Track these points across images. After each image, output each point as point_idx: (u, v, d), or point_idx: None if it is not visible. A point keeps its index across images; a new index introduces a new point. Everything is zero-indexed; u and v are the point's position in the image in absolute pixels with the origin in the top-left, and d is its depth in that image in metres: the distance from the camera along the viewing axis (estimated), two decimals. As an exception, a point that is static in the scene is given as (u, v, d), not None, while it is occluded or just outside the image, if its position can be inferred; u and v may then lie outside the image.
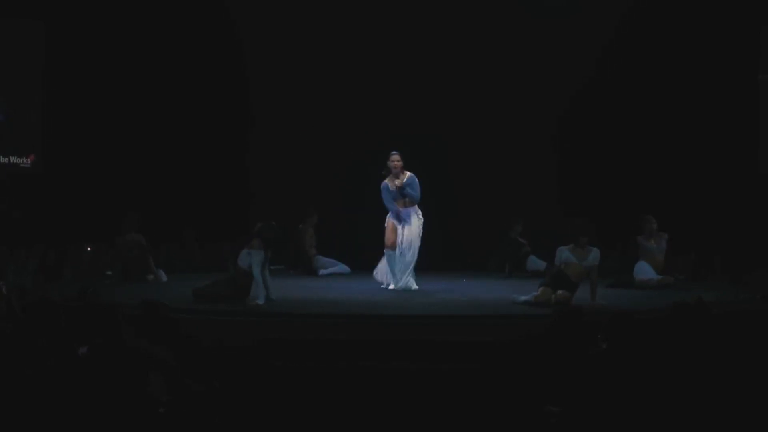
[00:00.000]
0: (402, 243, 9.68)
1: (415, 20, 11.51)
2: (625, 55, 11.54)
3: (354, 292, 9.40)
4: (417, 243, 9.73)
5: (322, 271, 11.46)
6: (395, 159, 9.75)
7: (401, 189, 9.65)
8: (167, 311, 6.44)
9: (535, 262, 11.09)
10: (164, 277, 10.56)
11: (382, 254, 9.89)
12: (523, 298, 8.37)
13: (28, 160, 11.95)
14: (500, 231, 11.28)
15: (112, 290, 8.63)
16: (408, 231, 9.72)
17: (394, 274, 9.73)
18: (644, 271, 9.90)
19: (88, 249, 11.28)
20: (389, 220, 9.80)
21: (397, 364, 6.18)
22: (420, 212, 9.79)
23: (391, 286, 9.75)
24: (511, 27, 11.48)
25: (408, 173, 9.80)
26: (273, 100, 11.73)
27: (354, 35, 11.58)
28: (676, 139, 11.55)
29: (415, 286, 9.74)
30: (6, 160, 11.99)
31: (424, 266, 9.98)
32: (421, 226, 9.76)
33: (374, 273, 10.00)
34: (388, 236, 9.80)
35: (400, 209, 9.74)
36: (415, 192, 9.69)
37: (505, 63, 11.62)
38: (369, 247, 10.45)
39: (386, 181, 9.77)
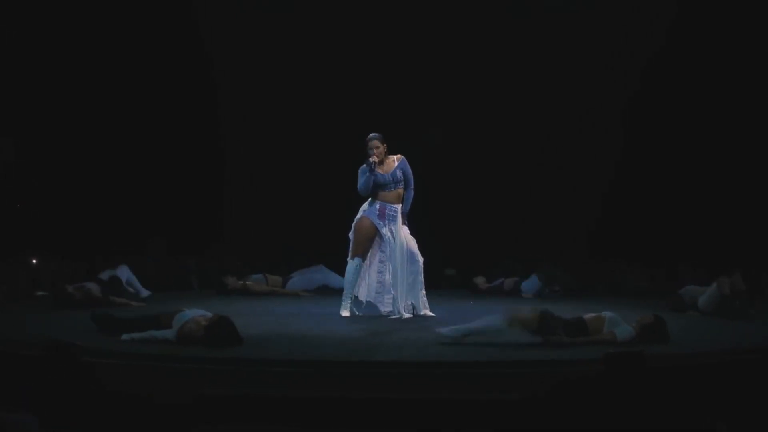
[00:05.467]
0: (395, 251, 7.70)
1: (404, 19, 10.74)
2: (669, 60, 10.61)
3: (331, 323, 7.23)
4: (416, 248, 7.79)
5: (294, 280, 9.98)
6: (375, 144, 7.86)
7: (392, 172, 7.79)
8: (80, 354, 4.96)
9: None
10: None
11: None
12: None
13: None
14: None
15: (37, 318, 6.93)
16: (398, 234, 7.74)
17: (353, 295, 7.77)
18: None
19: (34, 261, 10.26)
20: (364, 219, 7.83)
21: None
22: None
23: (345, 313, 7.73)
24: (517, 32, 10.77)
25: (396, 156, 7.95)
26: (247, 102, 10.98)
27: (339, 30, 10.75)
28: (716, 148, 10.55)
29: (429, 312, 7.76)
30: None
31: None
32: (409, 233, 7.88)
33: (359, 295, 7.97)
34: (359, 240, 7.80)
35: (387, 204, 7.84)
36: (410, 172, 7.87)
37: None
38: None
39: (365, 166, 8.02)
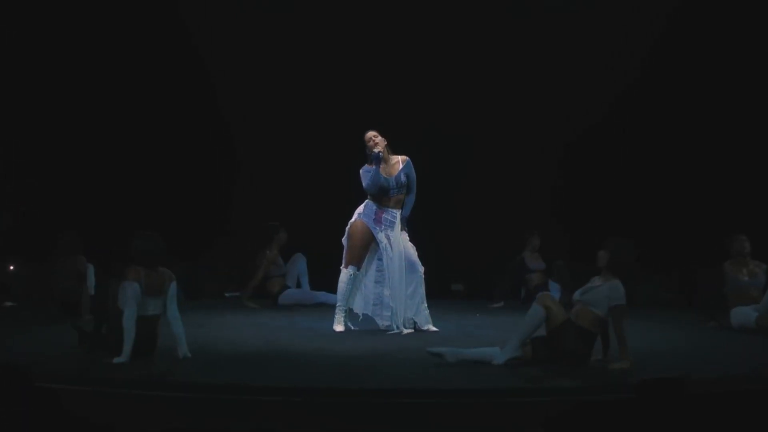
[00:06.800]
0: (393, 260, 7.03)
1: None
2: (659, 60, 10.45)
3: (324, 340, 6.53)
4: (415, 257, 7.12)
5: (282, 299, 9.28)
6: (374, 134, 7.27)
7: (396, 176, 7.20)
8: (30, 380, 4.38)
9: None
10: None
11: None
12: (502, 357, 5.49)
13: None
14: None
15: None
16: (397, 241, 7.08)
17: (347, 307, 7.15)
18: (744, 314, 7.52)
19: (11, 268, 9.82)
20: (358, 223, 7.20)
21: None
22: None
23: (339, 327, 7.12)
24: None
25: (401, 158, 7.35)
26: (244, 102, 10.70)
27: (338, 31, 10.46)
28: (727, 147, 10.31)
29: (433, 327, 7.10)
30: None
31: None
32: (408, 240, 7.22)
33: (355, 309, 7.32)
34: (354, 246, 7.17)
35: (385, 209, 7.18)
36: (414, 176, 7.24)
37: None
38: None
39: (368, 165, 7.40)
